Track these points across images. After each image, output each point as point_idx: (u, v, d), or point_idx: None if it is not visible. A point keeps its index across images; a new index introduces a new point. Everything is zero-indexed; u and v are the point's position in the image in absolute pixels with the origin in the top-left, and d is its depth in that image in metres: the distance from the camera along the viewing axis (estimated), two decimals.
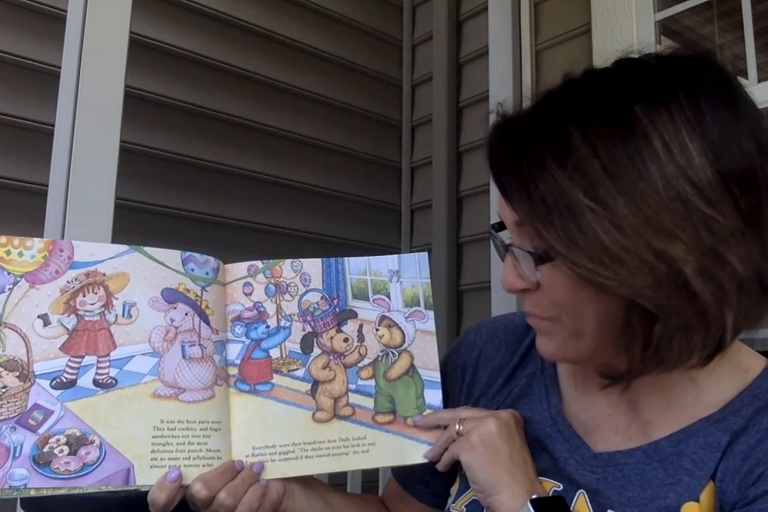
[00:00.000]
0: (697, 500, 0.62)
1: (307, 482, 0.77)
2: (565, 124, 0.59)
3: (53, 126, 1.38)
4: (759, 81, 1.50)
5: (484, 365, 0.82)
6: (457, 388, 0.84)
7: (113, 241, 1.39)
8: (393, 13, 2.38)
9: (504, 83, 1.89)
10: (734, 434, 0.63)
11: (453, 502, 0.76)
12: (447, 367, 0.85)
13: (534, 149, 0.60)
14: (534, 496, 0.64)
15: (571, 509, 0.67)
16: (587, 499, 0.67)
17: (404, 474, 0.86)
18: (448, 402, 0.83)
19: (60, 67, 1.38)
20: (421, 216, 2.31)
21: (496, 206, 0.67)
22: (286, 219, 2.05)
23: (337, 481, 1.52)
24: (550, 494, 0.69)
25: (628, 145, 0.56)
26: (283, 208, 2.05)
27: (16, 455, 0.63)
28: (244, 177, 1.98)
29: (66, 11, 1.40)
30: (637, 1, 1.68)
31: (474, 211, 2.13)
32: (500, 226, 0.68)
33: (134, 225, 1.70)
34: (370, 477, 1.62)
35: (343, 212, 2.18)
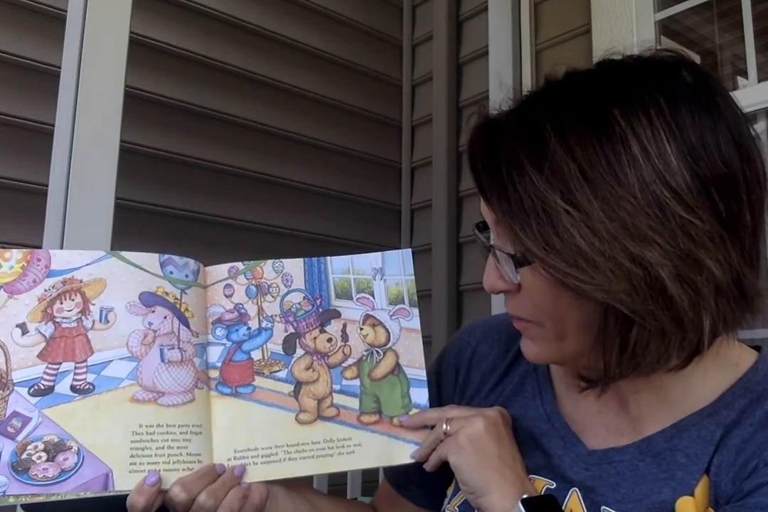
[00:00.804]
0: (691, 494, 0.62)
1: (291, 485, 0.76)
2: (543, 126, 0.59)
3: (53, 126, 1.38)
4: (759, 81, 1.50)
5: (477, 365, 0.82)
6: (451, 388, 0.84)
7: (113, 241, 1.39)
8: (393, 13, 2.38)
9: (504, 83, 1.88)
10: (727, 427, 0.63)
11: (448, 503, 0.76)
12: (441, 367, 0.86)
13: (512, 152, 0.60)
14: (525, 496, 0.64)
15: (564, 507, 0.67)
16: (580, 497, 0.67)
17: (397, 477, 0.85)
18: (443, 402, 0.82)
19: (60, 67, 1.38)
20: (421, 216, 2.31)
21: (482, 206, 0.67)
22: (286, 219, 2.05)
23: (337, 481, 1.52)
24: (543, 492, 0.69)
25: (605, 148, 0.56)
26: (283, 208, 2.05)
27: None
28: (245, 177, 1.98)
29: (66, 11, 1.40)
30: (637, 1, 1.68)
31: (474, 211, 2.13)
32: (485, 226, 0.68)
33: (134, 225, 1.70)
34: (369, 478, 1.62)
35: (343, 212, 2.18)
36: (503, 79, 1.89)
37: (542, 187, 0.57)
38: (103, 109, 1.38)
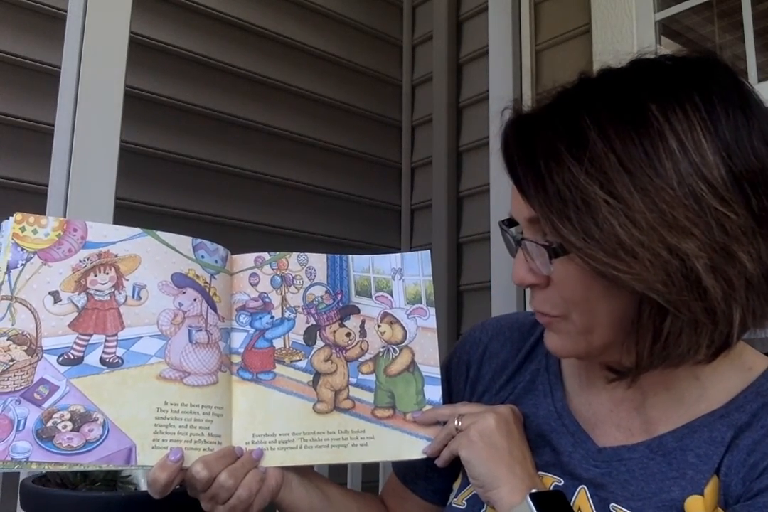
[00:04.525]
0: (701, 493, 0.62)
1: (305, 473, 0.77)
2: (582, 120, 0.60)
3: (53, 126, 1.38)
4: (759, 81, 1.50)
5: (489, 362, 0.83)
6: (462, 384, 0.85)
7: None
8: (393, 13, 2.38)
9: (504, 83, 1.88)
10: (738, 429, 0.64)
11: (455, 497, 0.76)
12: (451, 364, 0.86)
13: (551, 144, 0.60)
14: (533, 490, 0.64)
15: (572, 504, 0.67)
16: (588, 494, 0.67)
17: (405, 471, 0.86)
18: (453, 397, 0.83)
19: (60, 67, 1.38)
20: (421, 216, 2.31)
21: (510, 204, 0.68)
22: (286, 219, 2.05)
23: (336, 480, 1.52)
24: (551, 488, 0.69)
25: (644, 142, 0.58)
26: (283, 208, 2.05)
27: (20, 428, 0.63)
28: (244, 177, 1.98)
29: (66, 11, 1.40)
30: (637, 1, 1.68)
31: (474, 211, 2.13)
32: (510, 223, 0.69)
33: (134, 225, 1.69)
34: (370, 477, 1.62)
35: (343, 212, 2.18)
36: (503, 79, 1.89)
37: (582, 177, 0.58)
38: (103, 109, 1.37)
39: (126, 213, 1.60)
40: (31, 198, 1.56)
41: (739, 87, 0.62)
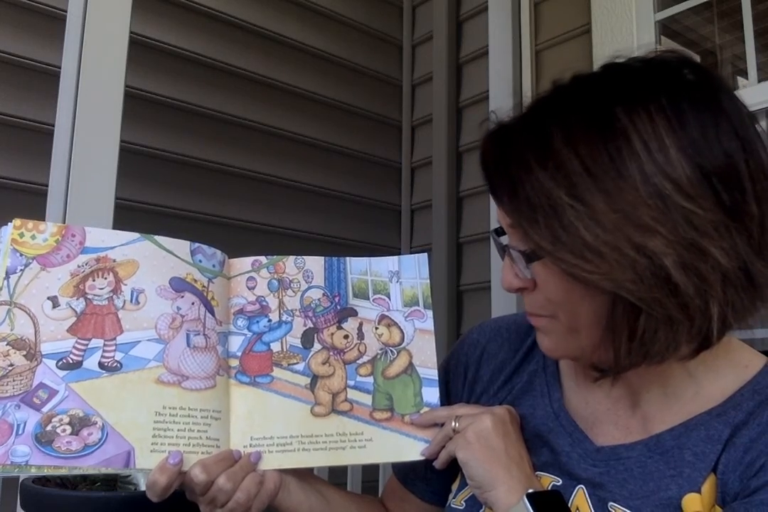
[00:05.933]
0: (698, 491, 0.63)
1: (303, 476, 0.78)
2: (549, 127, 0.61)
3: (53, 126, 1.38)
4: (759, 81, 1.50)
5: (487, 363, 0.83)
6: (460, 385, 0.85)
7: None
8: (393, 13, 2.39)
9: (504, 83, 1.89)
10: (735, 427, 0.64)
11: (453, 498, 0.77)
12: (450, 365, 0.87)
13: (520, 152, 0.62)
14: (530, 491, 0.65)
15: (570, 504, 0.68)
16: (586, 494, 0.68)
17: (405, 472, 0.87)
18: (451, 399, 0.84)
19: (60, 67, 1.38)
20: (421, 216, 2.31)
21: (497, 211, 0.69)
22: (286, 219, 2.05)
23: (336, 480, 1.52)
24: (549, 488, 0.70)
25: (608, 144, 0.59)
26: (283, 208, 2.05)
27: (19, 432, 0.64)
28: (245, 177, 1.98)
29: (66, 11, 1.40)
30: (637, 1, 1.68)
31: (474, 211, 2.13)
32: (503, 231, 0.70)
33: (134, 225, 1.69)
34: (370, 477, 1.62)
35: (343, 212, 2.18)
36: (503, 79, 1.89)
37: (547, 183, 0.59)
38: (103, 109, 1.37)
39: (126, 213, 1.60)
40: (31, 198, 1.56)
41: (709, 85, 0.62)
